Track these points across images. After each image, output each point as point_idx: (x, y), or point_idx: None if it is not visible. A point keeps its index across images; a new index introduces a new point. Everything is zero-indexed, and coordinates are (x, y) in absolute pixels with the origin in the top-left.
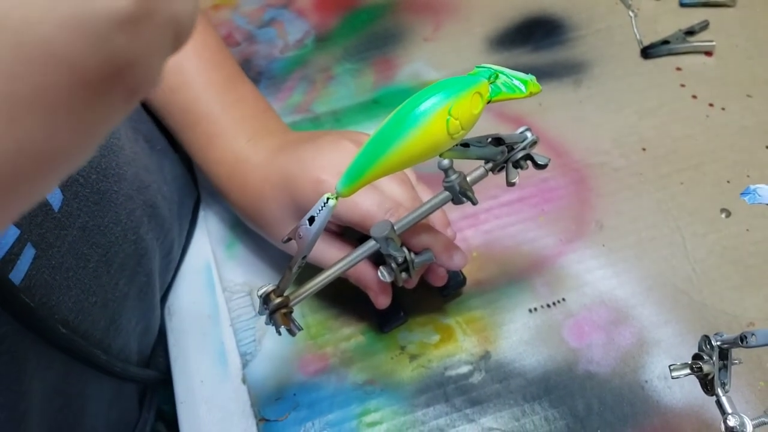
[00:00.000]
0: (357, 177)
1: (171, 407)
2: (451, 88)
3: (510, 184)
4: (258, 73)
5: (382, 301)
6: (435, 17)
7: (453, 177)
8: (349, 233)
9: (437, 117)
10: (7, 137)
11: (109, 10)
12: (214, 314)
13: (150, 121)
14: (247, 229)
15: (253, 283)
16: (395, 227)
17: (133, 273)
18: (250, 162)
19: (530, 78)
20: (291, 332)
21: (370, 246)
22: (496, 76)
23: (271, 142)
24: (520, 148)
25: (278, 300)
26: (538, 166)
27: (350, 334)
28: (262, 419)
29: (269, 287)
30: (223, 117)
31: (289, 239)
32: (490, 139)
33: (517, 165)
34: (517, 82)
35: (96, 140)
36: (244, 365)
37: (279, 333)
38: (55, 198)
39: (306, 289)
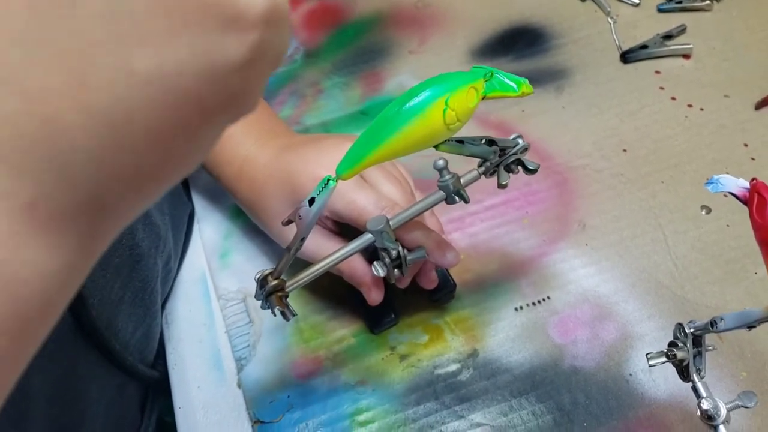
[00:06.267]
0: (356, 161)
1: (173, 418)
2: (449, 82)
3: (501, 186)
4: None
5: (375, 296)
6: (420, 31)
7: (447, 177)
8: (346, 233)
9: (435, 107)
10: (155, 149)
11: (230, 60)
12: (210, 322)
13: None
14: (239, 240)
15: (247, 290)
16: (390, 222)
17: (128, 278)
18: (257, 161)
19: (523, 80)
20: (285, 316)
21: (366, 239)
22: (491, 75)
23: (277, 143)
24: (511, 152)
25: (275, 282)
26: (529, 171)
27: (342, 337)
28: (257, 421)
29: (267, 270)
30: None
31: (289, 221)
32: (483, 140)
33: (508, 169)
34: (510, 82)
35: (204, 152)
36: (239, 370)
37: (274, 314)
38: None
39: (302, 276)
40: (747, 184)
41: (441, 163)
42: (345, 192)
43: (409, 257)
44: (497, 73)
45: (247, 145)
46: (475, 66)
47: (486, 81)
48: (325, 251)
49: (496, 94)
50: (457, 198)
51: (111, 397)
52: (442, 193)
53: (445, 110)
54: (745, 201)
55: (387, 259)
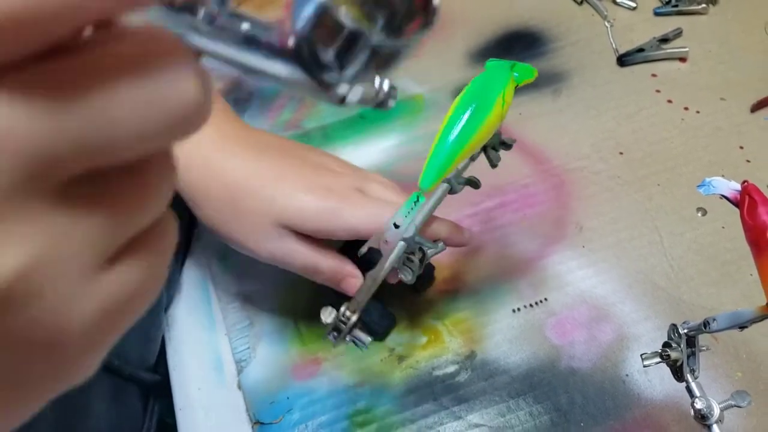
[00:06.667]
0: (441, 170)
1: (174, 419)
2: (500, 75)
3: (494, 166)
4: (249, 93)
5: (354, 283)
6: None
7: None
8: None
9: (498, 101)
10: None
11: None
12: (210, 324)
13: None
14: None
15: (247, 293)
16: (415, 225)
17: None
18: (225, 172)
19: (529, 65)
20: (362, 344)
21: (401, 247)
22: (514, 65)
23: (239, 147)
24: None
25: (356, 316)
26: (507, 147)
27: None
28: (257, 423)
29: (342, 308)
30: None
31: (369, 249)
32: None
33: (494, 149)
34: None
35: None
36: (239, 372)
37: (357, 345)
38: None
39: (363, 297)
40: (738, 187)
41: None
42: (361, 208)
43: (429, 252)
44: (514, 62)
45: (205, 147)
46: (490, 60)
47: (513, 71)
48: (320, 259)
49: (524, 81)
50: (460, 187)
51: (112, 399)
52: (446, 185)
53: (503, 104)
54: (737, 203)
55: (416, 261)
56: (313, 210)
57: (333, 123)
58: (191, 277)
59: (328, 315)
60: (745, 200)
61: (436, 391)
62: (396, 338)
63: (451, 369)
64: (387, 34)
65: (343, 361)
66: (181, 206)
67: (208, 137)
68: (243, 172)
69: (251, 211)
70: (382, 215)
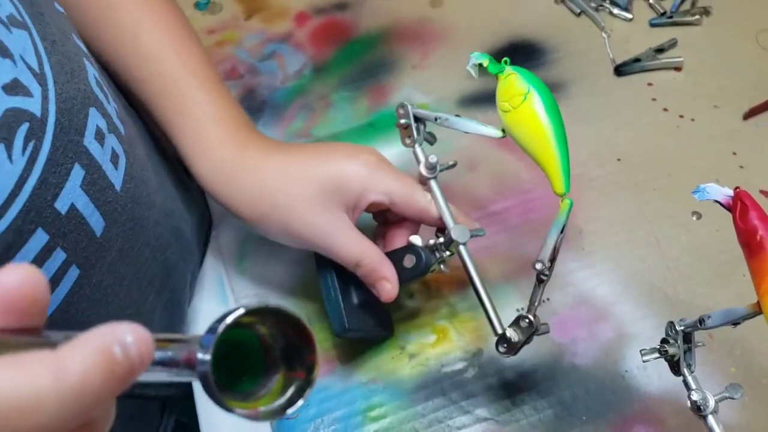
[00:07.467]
0: (569, 172)
1: (189, 419)
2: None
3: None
4: (262, 102)
5: (394, 290)
6: (422, 47)
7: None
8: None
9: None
10: None
11: None
12: None
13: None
14: (255, 245)
15: (263, 294)
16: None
17: (160, 290)
18: (257, 167)
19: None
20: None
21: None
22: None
23: (268, 146)
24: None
25: (534, 317)
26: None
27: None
28: None
29: (523, 318)
30: (211, 123)
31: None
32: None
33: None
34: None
35: None
36: None
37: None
38: (98, 225)
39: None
40: (731, 193)
41: (435, 159)
42: (393, 175)
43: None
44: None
45: (223, 148)
46: (485, 63)
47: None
48: (365, 253)
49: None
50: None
51: (130, 417)
52: (436, 180)
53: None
54: (730, 208)
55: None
56: (355, 174)
57: (343, 131)
58: (209, 279)
59: (516, 333)
60: (737, 205)
61: (445, 387)
62: (406, 337)
63: (460, 366)
64: (282, 361)
65: (355, 358)
66: (205, 214)
67: (238, 145)
68: (279, 162)
69: (297, 197)
70: (412, 188)
